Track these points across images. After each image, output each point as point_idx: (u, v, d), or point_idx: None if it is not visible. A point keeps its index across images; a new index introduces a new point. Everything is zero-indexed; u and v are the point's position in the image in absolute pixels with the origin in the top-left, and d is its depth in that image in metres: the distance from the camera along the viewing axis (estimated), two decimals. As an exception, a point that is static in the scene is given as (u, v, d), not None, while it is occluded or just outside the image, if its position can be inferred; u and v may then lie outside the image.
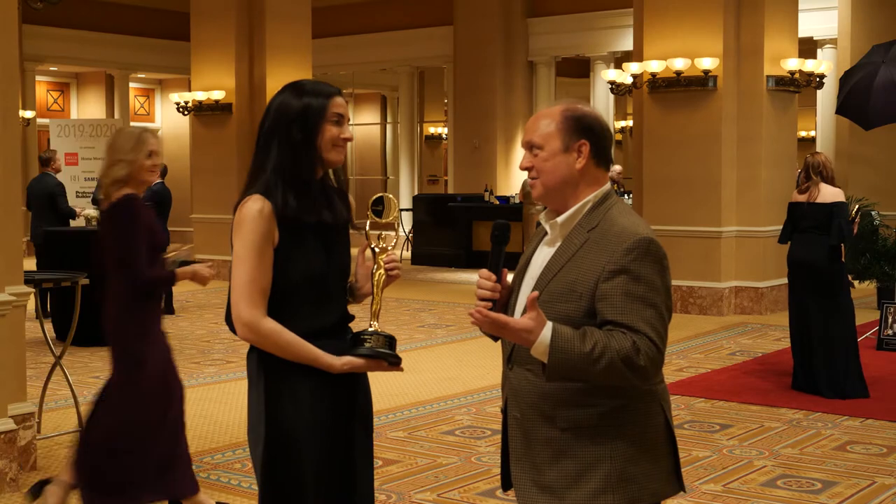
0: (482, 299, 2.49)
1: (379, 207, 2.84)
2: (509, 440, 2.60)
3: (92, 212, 10.66)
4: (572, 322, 2.41)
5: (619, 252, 2.42)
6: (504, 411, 2.64)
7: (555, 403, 2.48)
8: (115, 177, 4.41)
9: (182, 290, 13.95)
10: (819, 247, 7.32)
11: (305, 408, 2.81)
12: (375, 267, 2.82)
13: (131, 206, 4.39)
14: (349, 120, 2.91)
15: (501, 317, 2.36)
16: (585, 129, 2.53)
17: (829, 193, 7.31)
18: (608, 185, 2.58)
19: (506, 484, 2.68)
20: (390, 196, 2.86)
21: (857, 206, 8.09)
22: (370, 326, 2.83)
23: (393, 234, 2.85)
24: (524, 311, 2.48)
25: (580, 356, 2.34)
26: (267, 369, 2.85)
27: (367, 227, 2.83)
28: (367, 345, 2.79)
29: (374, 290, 2.83)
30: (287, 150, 2.81)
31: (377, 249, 2.83)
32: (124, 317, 4.44)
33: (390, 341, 2.82)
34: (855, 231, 7.78)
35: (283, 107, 2.84)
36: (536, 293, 2.36)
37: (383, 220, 2.83)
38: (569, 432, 2.46)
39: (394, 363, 2.84)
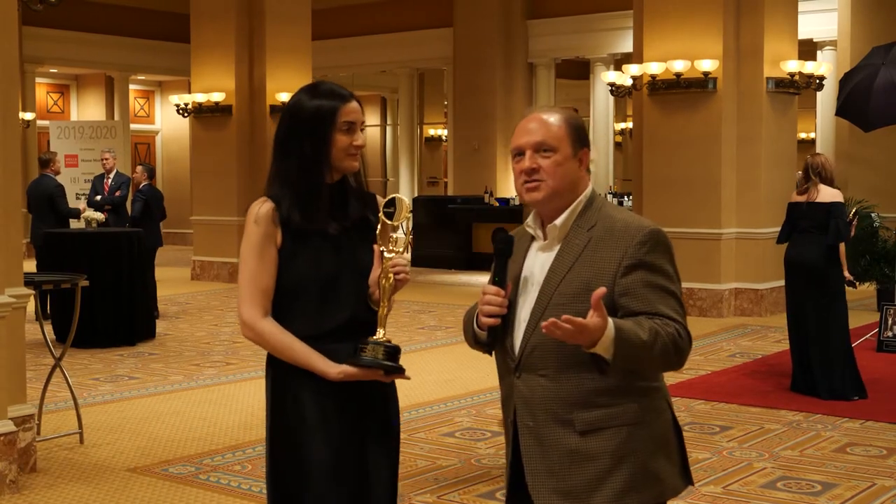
0: (489, 315, 2.51)
1: (391, 209, 2.81)
2: (522, 450, 2.56)
3: (92, 214, 10.65)
4: None
5: (632, 246, 2.47)
6: (513, 423, 2.59)
7: (571, 407, 2.48)
8: None
9: (182, 293, 13.96)
10: (816, 247, 7.32)
11: (309, 408, 2.81)
12: (382, 271, 2.80)
13: None
14: (363, 123, 2.90)
15: (585, 321, 2.33)
16: (586, 139, 2.62)
17: (827, 194, 7.31)
18: (591, 186, 2.64)
19: (512, 497, 2.63)
20: (402, 198, 2.82)
21: (854, 209, 8.08)
22: (377, 334, 2.80)
23: (403, 236, 2.82)
24: (530, 319, 2.51)
25: (641, 344, 2.39)
26: (274, 368, 2.87)
27: (378, 230, 2.81)
28: (365, 355, 2.77)
29: (381, 294, 2.80)
30: (296, 163, 2.82)
31: (387, 253, 2.81)
32: None
33: (391, 351, 2.78)
34: (853, 233, 7.78)
35: (296, 110, 2.85)
36: (604, 290, 2.35)
37: (394, 222, 2.80)
38: (588, 435, 2.47)
39: (391, 373, 2.80)
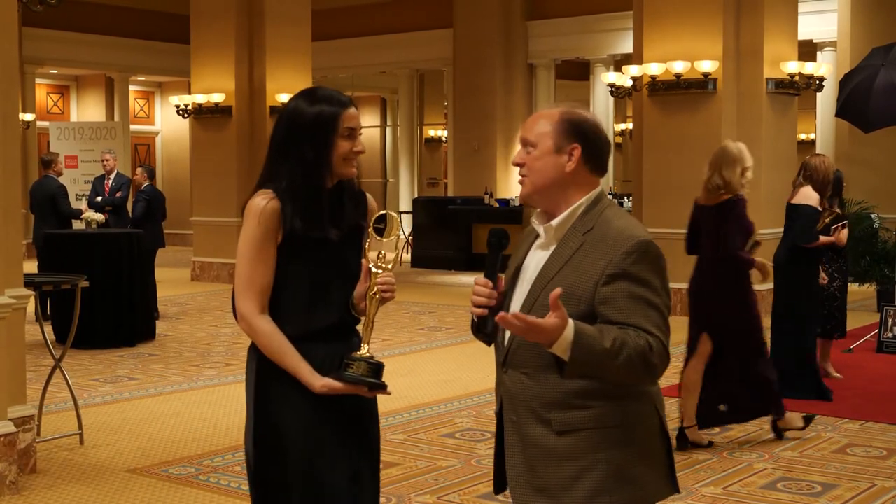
0: (478, 306, 2.53)
1: (381, 225, 2.81)
2: (505, 443, 2.61)
3: (93, 215, 10.65)
4: None
5: (618, 255, 2.43)
6: (499, 414, 2.65)
7: (550, 406, 2.49)
8: (742, 180, 5.98)
9: (182, 293, 13.96)
10: (783, 248, 7.36)
11: (292, 407, 2.84)
12: (369, 287, 2.80)
13: (744, 204, 6.02)
14: (361, 128, 2.91)
15: (537, 319, 2.35)
16: (579, 134, 2.54)
17: (800, 196, 7.23)
18: (600, 188, 2.60)
19: (498, 486, 2.69)
20: (393, 214, 2.82)
21: (830, 216, 7.70)
22: (361, 349, 2.82)
23: (393, 254, 2.81)
24: (522, 310, 2.50)
25: (602, 351, 2.37)
26: (259, 365, 2.89)
27: (368, 246, 2.82)
28: (349, 371, 2.79)
29: (367, 310, 2.81)
30: (298, 168, 2.83)
31: (374, 269, 2.81)
32: (720, 285, 6.06)
33: (375, 368, 2.80)
34: (838, 240, 7.49)
35: (296, 115, 2.85)
36: (560, 290, 2.35)
37: (384, 239, 2.80)
38: (564, 435, 2.47)
39: (374, 389, 2.82)
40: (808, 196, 7.21)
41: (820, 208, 7.23)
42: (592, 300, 2.44)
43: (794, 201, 7.30)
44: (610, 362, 2.37)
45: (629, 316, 2.40)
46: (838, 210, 7.83)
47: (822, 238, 7.31)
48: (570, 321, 2.36)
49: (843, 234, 7.58)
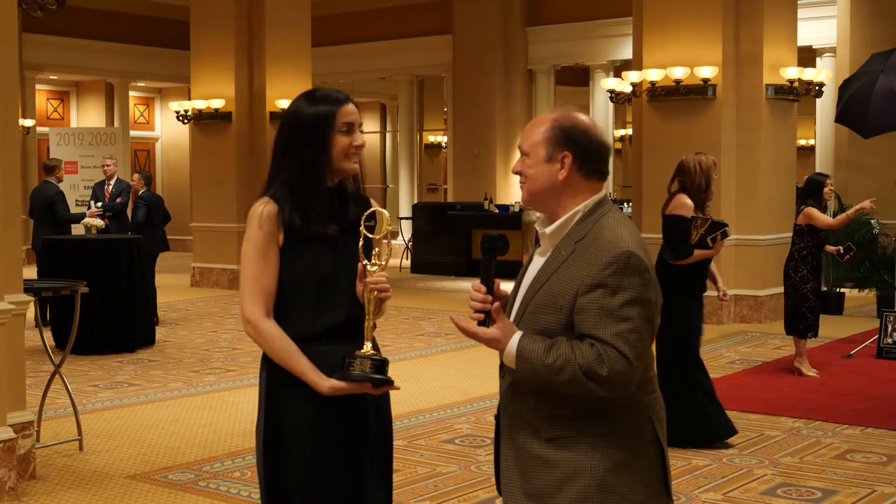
0: (476, 311, 2.53)
1: (372, 223, 2.82)
2: (501, 446, 2.62)
3: (93, 220, 10.64)
4: (551, 335, 2.45)
5: (598, 266, 2.42)
6: (497, 417, 2.67)
7: (539, 414, 2.50)
8: None
9: (182, 299, 13.96)
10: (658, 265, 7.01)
11: (298, 409, 2.85)
12: (366, 286, 2.82)
13: None
14: (361, 124, 2.94)
15: (472, 327, 2.47)
16: (570, 141, 2.52)
17: (673, 205, 6.33)
18: (600, 195, 2.56)
19: (500, 488, 2.70)
20: (383, 211, 2.83)
21: (703, 226, 6.33)
22: (363, 347, 2.83)
23: (385, 250, 2.84)
24: (515, 317, 2.54)
25: (543, 367, 2.40)
26: (270, 369, 2.91)
27: (361, 244, 2.83)
28: (353, 369, 2.80)
29: (367, 308, 2.83)
30: (298, 167, 2.87)
31: (370, 267, 2.82)
32: None
33: (378, 364, 2.81)
34: (716, 252, 6.40)
35: (296, 115, 2.90)
36: (498, 304, 2.46)
37: (375, 236, 2.81)
38: (552, 442, 2.49)
39: (379, 385, 2.83)
40: (681, 205, 6.27)
41: (692, 216, 6.24)
42: (573, 310, 2.44)
43: (667, 211, 6.30)
44: (553, 378, 2.40)
45: (594, 327, 2.40)
46: (711, 217, 6.35)
47: (697, 252, 6.19)
48: (518, 334, 2.44)
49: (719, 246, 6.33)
